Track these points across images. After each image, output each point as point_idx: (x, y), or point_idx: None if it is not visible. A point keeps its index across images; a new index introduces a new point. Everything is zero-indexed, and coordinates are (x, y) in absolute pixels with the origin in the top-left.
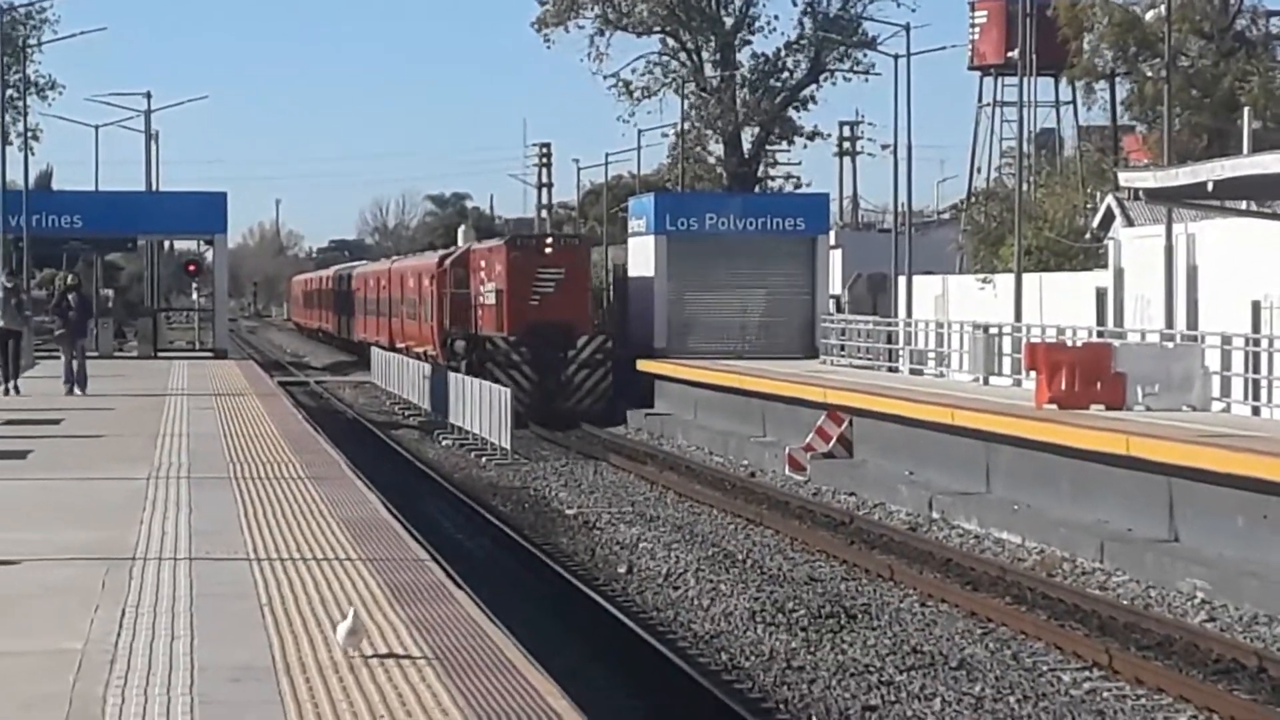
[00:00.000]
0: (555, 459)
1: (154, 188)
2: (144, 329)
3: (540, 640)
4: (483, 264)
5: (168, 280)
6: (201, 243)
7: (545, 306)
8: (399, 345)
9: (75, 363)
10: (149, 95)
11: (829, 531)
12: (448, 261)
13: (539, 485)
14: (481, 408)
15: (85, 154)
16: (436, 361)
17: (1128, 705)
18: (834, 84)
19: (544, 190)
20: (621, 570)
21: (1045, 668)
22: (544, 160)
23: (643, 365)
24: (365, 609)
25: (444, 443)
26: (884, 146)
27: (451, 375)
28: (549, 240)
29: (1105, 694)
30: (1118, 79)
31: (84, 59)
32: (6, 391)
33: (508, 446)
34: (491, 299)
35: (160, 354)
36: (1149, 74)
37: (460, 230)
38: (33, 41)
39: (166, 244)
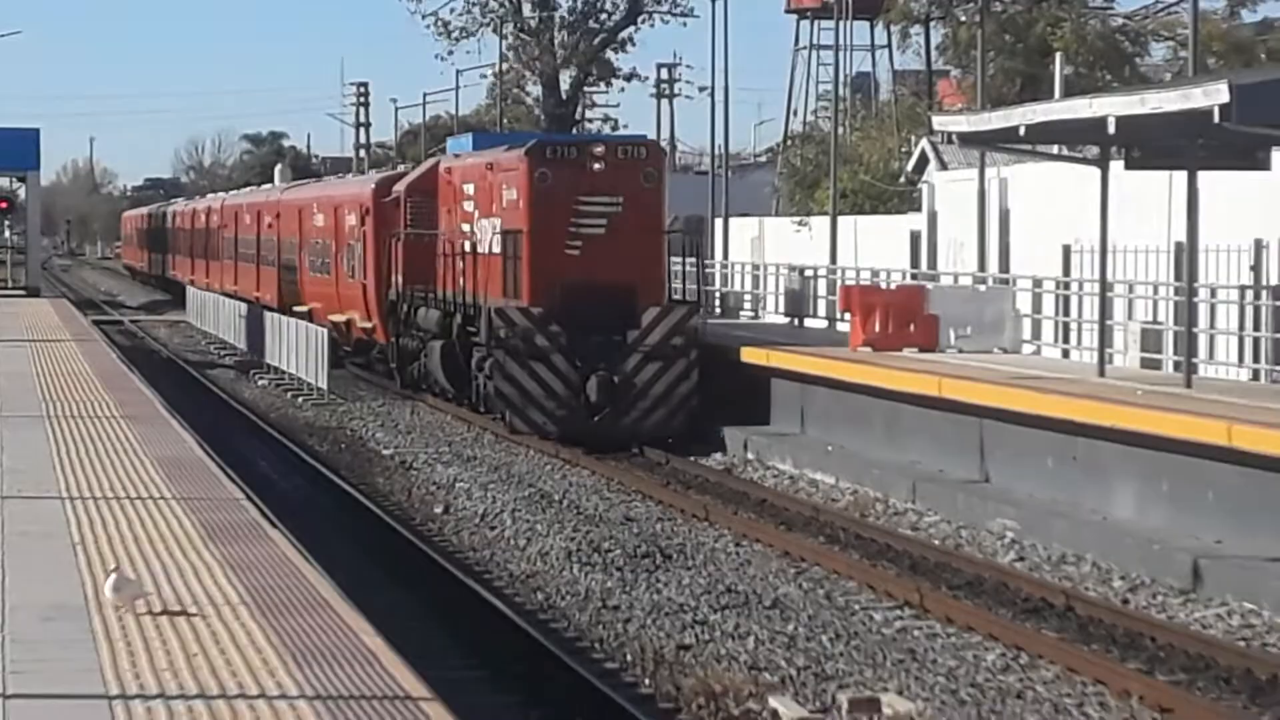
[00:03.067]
0: (372, 399)
1: None
2: None
3: (356, 580)
4: (472, 188)
5: None
6: (14, 180)
7: (591, 259)
8: (296, 309)
9: None
10: None
11: (645, 472)
12: (398, 187)
13: (356, 425)
14: (298, 347)
15: None
16: (370, 336)
17: (938, 644)
18: (652, 26)
19: (362, 130)
20: (438, 510)
21: (858, 607)
22: (362, 100)
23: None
24: (179, 548)
25: (260, 382)
26: (701, 89)
27: (268, 314)
28: (599, 148)
29: (916, 632)
30: (933, 24)
31: None
32: None
33: (324, 386)
34: (493, 245)
35: None
36: (963, 19)
37: (277, 169)
38: None
39: None
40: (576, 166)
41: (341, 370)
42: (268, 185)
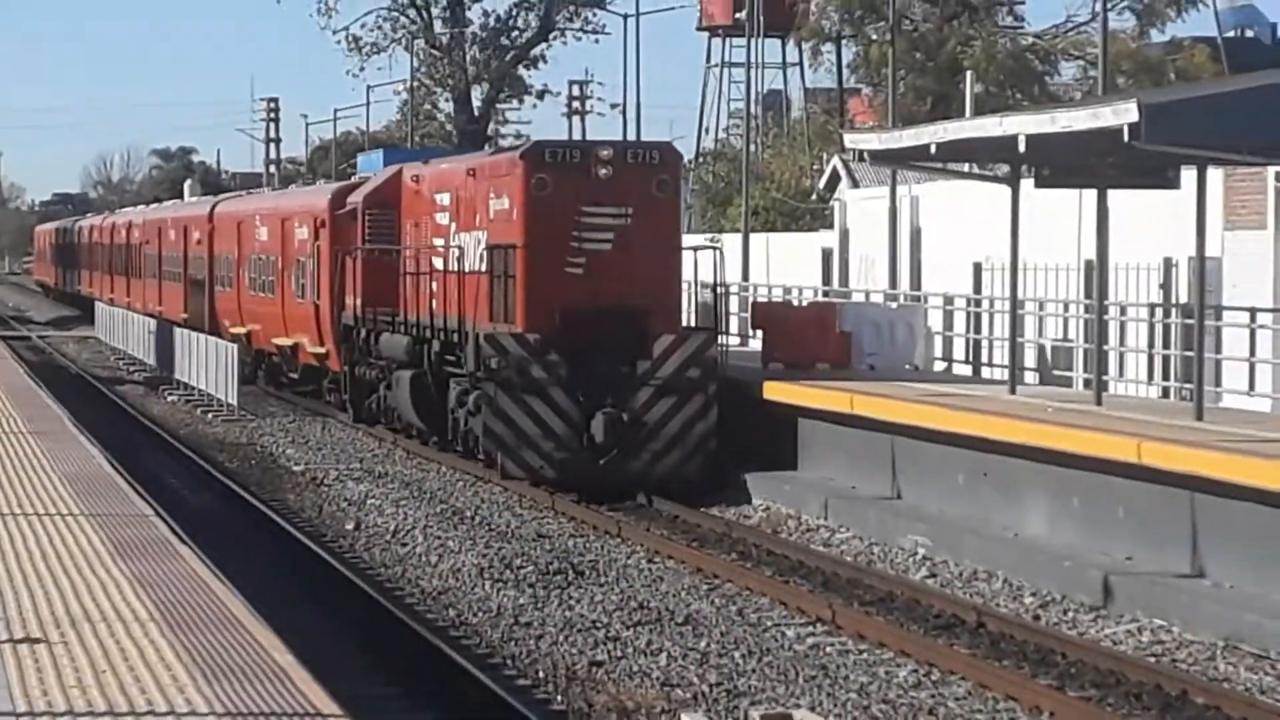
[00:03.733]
0: (283, 415)
1: None
2: None
3: (267, 596)
4: (447, 197)
5: None
6: None
7: (596, 279)
8: (234, 331)
9: None
10: None
11: (557, 489)
12: (354, 198)
13: (266, 441)
14: (208, 363)
15: None
16: (321, 363)
17: (850, 660)
18: (564, 43)
19: (273, 145)
20: (349, 527)
21: (770, 623)
22: (272, 116)
23: (774, 392)
24: (88, 564)
25: (170, 398)
26: (613, 105)
27: (177, 330)
28: (606, 151)
29: (828, 648)
30: (844, 42)
31: None
32: None
33: (234, 402)
34: (478, 262)
35: None
36: (874, 37)
37: (186, 185)
38: None
39: None
40: (579, 172)
41: (252, 386)
42: (196, 199)
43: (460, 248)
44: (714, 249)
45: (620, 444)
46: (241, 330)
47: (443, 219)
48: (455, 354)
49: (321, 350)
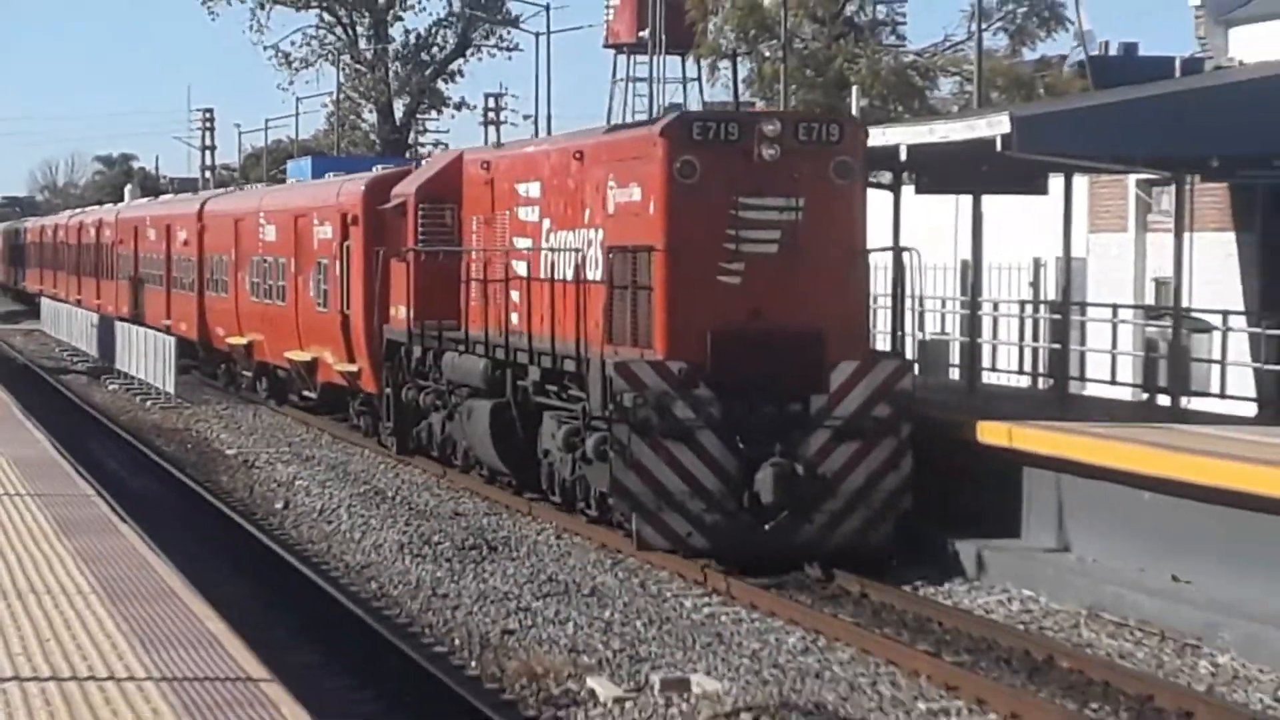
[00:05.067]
0: (217, 403)
1: None
2: None
3: (201, 571)
4: (537, 188)
5: None
6: None
7: (758, 291)
8: (231, 342)
9: None
10: None
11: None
12: (403, 188)
13: (201, 427)
14: (146, 354)
15: None
16: (352, 383)
17: (743, 628)
18: (480, 59)
19: (207, 152)
20: (279, 506)
21: (670, 594)
22: (208, 124)
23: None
24: (34, 540)
25: (110, 387)
26: (526, 117)
27: (118, 323)
28: (771, 125)
29: (723, 618)
30: (740, 59)
31: None
32: None
33: (171, 391)
34: (589, 269)
35: None
36: (768, 55)
37: (126, 189)
38: None
39: None
40: (737, 153)
41: (187, 376)
42: (183, 195)
43: (559, 250)
44: (908, 251)
45: (794, 504)
46: (240, 341)
47: (529, 214)
48: (558, 383)
49: (352, 368)
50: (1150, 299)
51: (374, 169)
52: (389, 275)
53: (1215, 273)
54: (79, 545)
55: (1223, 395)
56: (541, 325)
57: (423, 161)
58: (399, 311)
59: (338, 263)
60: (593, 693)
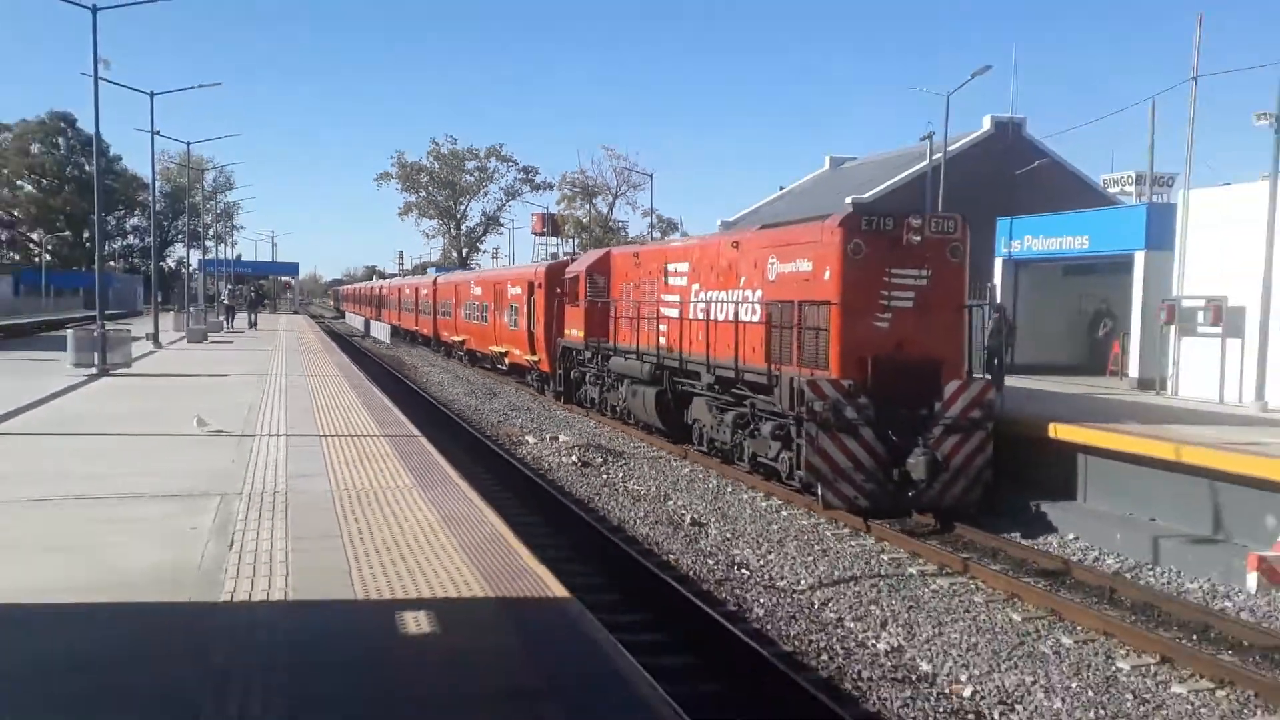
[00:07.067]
0: (428, 360)
1: None
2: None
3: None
4: (684, 265)
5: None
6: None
7: (899, 332)
8: (452, 339)
9: (253, 316)
10: None
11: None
12: (576, 268)
13: (418, 363)
14: (380, 332)
15: None
16: (533, 366)
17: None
18: (500, 234)
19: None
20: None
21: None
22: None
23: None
24: (403, 496)
25: (365, 342)
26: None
27: (372, 322)
28: (916, 220)
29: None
30: (573, 238)
31: None
32: (251, 324)
33: (387, 340)
34: (745, 314)
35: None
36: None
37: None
38: None
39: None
40: (890, 238)
41: (418, 347)
42: (421, 276)
43: (712, 302)
44: (998, 310)
45: (936, 480)
46: (458, 338)
47: (678, 281)
48: (687, 380)
49: (534, 358)
50: None
51: (454, 271)
52: (564, 313)
53: None
54: (429, 496)
55: None
56: (690, 346)
57: (513, 261)
58: (573, 331)
59: (524, 305)
60: (527, 441)
